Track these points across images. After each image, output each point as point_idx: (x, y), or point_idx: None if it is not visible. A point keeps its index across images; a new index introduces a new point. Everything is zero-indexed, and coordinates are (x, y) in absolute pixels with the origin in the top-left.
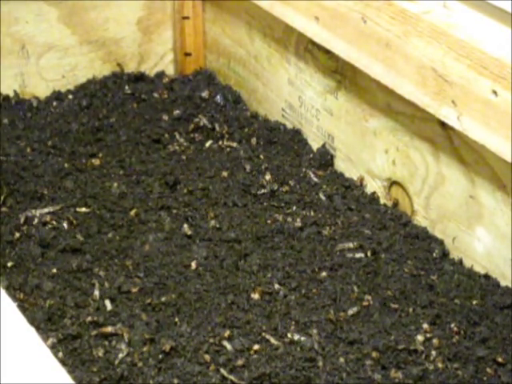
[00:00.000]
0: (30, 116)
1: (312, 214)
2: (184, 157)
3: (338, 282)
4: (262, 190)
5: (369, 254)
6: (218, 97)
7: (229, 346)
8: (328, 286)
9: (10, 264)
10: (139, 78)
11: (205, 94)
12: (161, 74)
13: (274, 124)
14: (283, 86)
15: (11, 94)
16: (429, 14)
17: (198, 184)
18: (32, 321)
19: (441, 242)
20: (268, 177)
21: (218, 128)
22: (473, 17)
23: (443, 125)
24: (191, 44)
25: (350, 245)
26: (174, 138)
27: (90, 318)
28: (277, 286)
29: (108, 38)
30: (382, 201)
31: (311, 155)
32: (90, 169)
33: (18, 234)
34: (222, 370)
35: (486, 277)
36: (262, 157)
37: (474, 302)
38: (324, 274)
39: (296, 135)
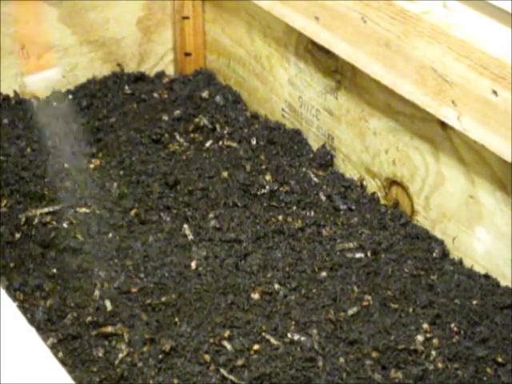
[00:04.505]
0: (29, 116)
1: (312, 214)
2: (184, 157)
3: (338, 282)
4: (262, 190)
5: (369, 254)
6: (218, 97)
7: (229, 346)
8: (328, 286)
9: (10, 264)
10: (139, 77)
11: (205, 94)
12: (161, 74)
13: (274, 124)
14: (283, 86)
15: (11, 94)
16: (429, 14)
17: (198, 184)
18: (32, 321)
19: (441, 242)
20: (268, 177)
21: (218, 128)
22: (473, 17)
23: (443, 125)
24: (191, 44)
25: (350, 245)
26: (174, 138)
27: (90, 318)
28: (277, 286)
29: (108, 38)
30: (382, 201)
31: (311, 155)
32: (90, 169)
33: (18, 234)
34: (222, 370)
35: (486, 277)
36: (262, 157)
37: (474, 302)
38: (324, 274)
39: (296, 135)
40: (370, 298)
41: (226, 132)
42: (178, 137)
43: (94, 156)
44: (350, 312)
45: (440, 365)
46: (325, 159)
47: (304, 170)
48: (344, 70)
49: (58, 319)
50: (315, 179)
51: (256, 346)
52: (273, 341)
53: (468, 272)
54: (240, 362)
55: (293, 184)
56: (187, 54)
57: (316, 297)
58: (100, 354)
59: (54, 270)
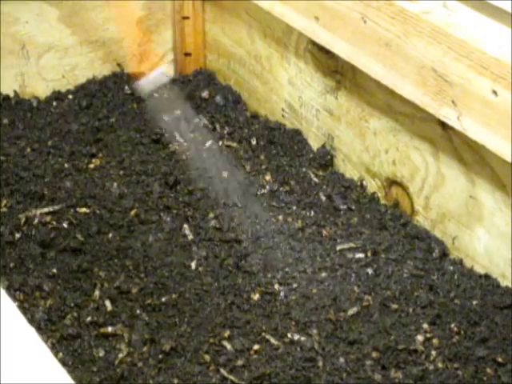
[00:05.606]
0: (29, 116)
1: (312, 214)
2: (184, 157)
3: (338, 282)
4: (262, 190)
5: (369, 254)
6: (218, 97)
7: (229, 346)
8: (328, 286)
9: (10, 264)
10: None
11: (205, 94)
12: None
13: (274, 124)
14: (283, 86)
15: (11, 94)
16: (429, 14)
17: (197, 184)
18: (32, 321)
19: (441, 242)
20: (268, 177)
21: (218, 128)
22: (473, 17)
23: (443, 125)
24: (191, 44)
25: (350, 245)
26: (174, 138)
27: (89, 318)
28: (277, 286)
29: (108, 38)
30: (382, 201)
31: (311, 155)
32: (90, 169)
33: (18, 234)
34: (222, 370)
35: (486, 277)
36: (262, 157)
37: (474, 302)
38: (324, 274)
39: (296, 135)
40: (370, 298)
41: (225, 132)
42: (178, 137)
43: (94, 156)
44: (350, 312)
45: (440, 365)
46: (325, 159)
47: (304, 170)
48: (344, 70)
49: (58, 319)
50: (315, 179)
51: (256, 346)
52: (273, 341)
53: (468, 272)
54: (240, 362)
55: (293, 184)
56: (187, 54)
57: (316, 297)
58: (100, 354)
59: (54, 270)
